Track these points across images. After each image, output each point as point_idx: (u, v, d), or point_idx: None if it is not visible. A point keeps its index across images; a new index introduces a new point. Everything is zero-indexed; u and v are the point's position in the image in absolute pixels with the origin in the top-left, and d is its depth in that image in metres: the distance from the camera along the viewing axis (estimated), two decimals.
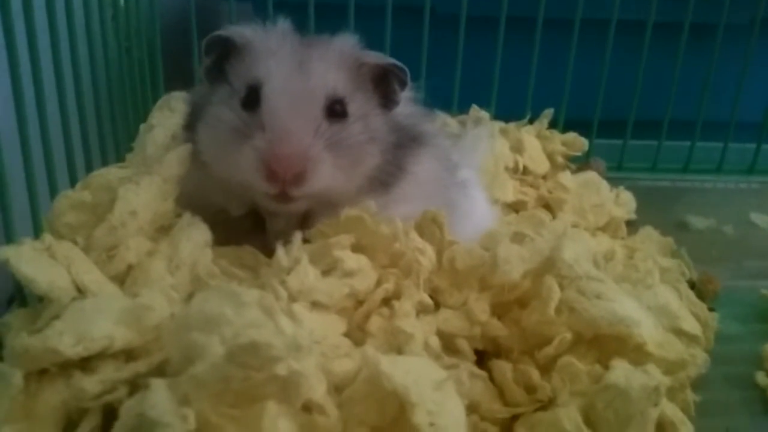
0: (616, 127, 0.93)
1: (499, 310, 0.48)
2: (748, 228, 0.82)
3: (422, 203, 0.52)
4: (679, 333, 0.50)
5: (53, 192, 0.51)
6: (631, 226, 0.76)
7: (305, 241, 0.48)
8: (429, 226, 0.51)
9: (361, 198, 0.50)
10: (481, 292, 0.48)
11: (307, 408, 0.36)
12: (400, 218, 0.49)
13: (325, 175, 0.47)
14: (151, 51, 0.83)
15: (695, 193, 0.92)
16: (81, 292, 0.42)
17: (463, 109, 0.89)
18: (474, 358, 0.46)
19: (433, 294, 0.48)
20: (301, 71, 0.49)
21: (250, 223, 0.53)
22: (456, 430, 0.36)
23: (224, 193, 0.52)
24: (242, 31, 0.52)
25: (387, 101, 0.54)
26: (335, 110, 0.49)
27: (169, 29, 0.90)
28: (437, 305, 0.48)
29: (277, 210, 0.50)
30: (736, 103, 0.92)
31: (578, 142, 0.88)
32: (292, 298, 0.43)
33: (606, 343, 0.45)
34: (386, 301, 0.46)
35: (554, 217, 0.72)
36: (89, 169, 0.59)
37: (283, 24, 0.54)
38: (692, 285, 0.63)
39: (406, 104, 0.56)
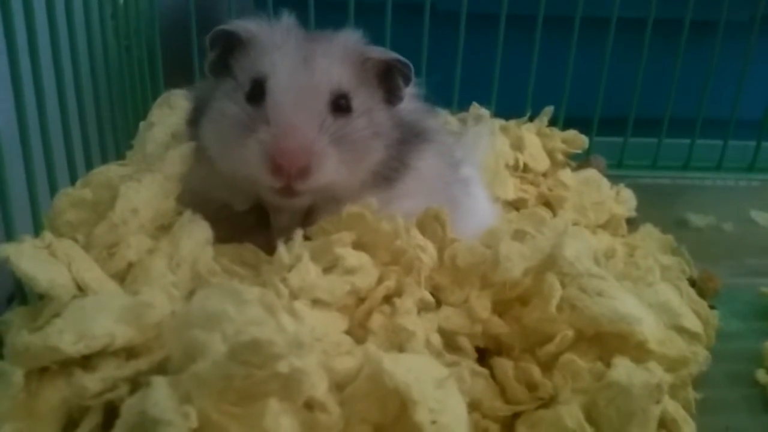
0: (616, 125, 0.93)
1: (500, 308, 0.48)
2: (749, 226, 0.82)
3: (425, 199, 0.52)
4: (681, 330, 0.50)
5: (53, 190, 0.51)
6: (632, 223, 0.76)
7: (307, 238, 0.48)
8: (431, 224, 0.51)
9: (364, 193, 0.50)
10: (483, 289, 0.48)
11: (309, 406, 0.36)
12: (403, 214, 0.49)
13: (330, 170, 0.47)
14: (151, 49, 0.83)
15: (695, 190, 0.92)
16: (81, 289, 0.42)
17: (464, 106, 0.89)
18: (475, 355, 0.46)
19: (435, 291, 0.48)
20: (305, 66, 0.49)
21: (254, 219, 0.53)
22: (458, 428, 0.36)
23: (228, 188, 0.52)
24: (247, 26, 0.52)
25: (391, 97, 0.54)
26: (340, 105, 0.49)
27: (168, 27, 0.90)
28: (438, 303, 0.48)
29: (281, 204, 0.50)
30: (737, 101, 0.92)
31: (578, 140, 0.88)
32: (294, 296, 0.43)
33: (607, 341, 0.45)
34: (387, 299, 0.46)
35: (555, 214, 0.72)
36: (89, 166, 0.59)
37: (288, 19, 0.54)
38: (692, 283, 0.63)
39: (410, 100, 0.56)
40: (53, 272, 0.41)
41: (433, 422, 0.35)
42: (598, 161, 0.89)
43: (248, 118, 0.48)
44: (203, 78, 0.56)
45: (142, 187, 0.47)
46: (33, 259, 0.41)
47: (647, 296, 0.51)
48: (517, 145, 0.83)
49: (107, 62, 0.68)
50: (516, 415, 0.43)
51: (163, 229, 0.49)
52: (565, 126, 0.91)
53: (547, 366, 0.44)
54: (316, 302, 0.44)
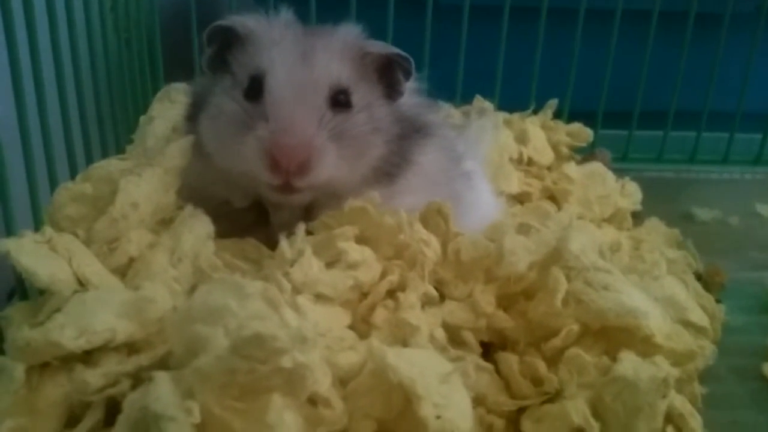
0: (621, 118, 0.92)
1: (505, 302, 0.48)
2: (754, 219, 0.81)
3: (427, 194, 0.52)
4: (687, 324, 0.50)
5: (53, 184, 0.51)
6: (637, 217, 0.76)
7: (309, 232, 0.48)
8: (434, 218, 0.50)
9: (365, 189, 0.49)
10: (487, 283, 0.48)
11: (313, 401, 0.36)
12: (405, 209, 0.48)
13: (329, 166, 0.47)
14: (151, 42, 0.82)
15: (701, 184, 0.91)
16: (82, 284, 0.42)
17: (467, 99, 0.88)
18: (480, 350, 0.46)
19: (439, 286, 0.48)
20: (304, 61, 0.49)
21: (254, 216, 0.52)
22: (462, 423, 0.36)
23: (227, 185, 0.51)
24: (244, 21, 0.52)
25: (391, 92, 0.53)
26: (339, 100, 0.49)
27: (168, 20, 0.89)
28: (442, 297, 0.48)
29: (280, 201, 0.50)
30: (743, 94, 0.91)
31: (583, 133, 0.88)
32: (296, 291, 0.43)
33: (614, 335, 0.44)
34: (391, 293, 0.46)
35: (559, 208, 0.72)
36: (89, 161, 0.58)
37: (286, 14, 0.54)
38: (698, 276, 0.63)
39: (411, 95, 0.55)
40: (54, 267, 0.41)
41: (438, 417, 0.35)
42: (603, 154, 0.89)
43: (246, 114, 0.48)
44: (203, 71, 0.55)
45: (143, 181, 0.47)
46: (33, 254, 0.41)
47: (653, 290, 0.50)
48: (521, 139, 0.83)
49: (107, 56, 0.68)
50: (521, 410, 0.43)
51: (164, 223, 0.49)
52: (570, 119, 0.90)
53: (553, 360, 0.44)
54: (319, 297, 0.43)
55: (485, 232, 0.52)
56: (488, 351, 0.47)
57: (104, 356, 0.38)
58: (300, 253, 0.45)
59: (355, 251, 0.46)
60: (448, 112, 0.80)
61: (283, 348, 0.33)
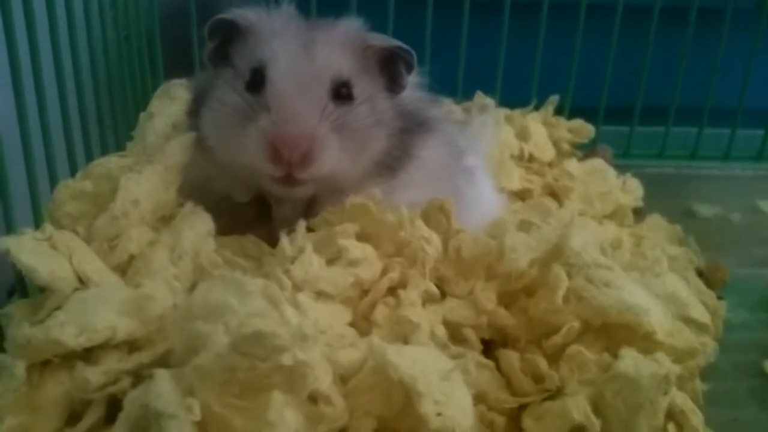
0: (622, 114, 0.92)
1: (505, 299, 0.48)
2: (756, 215, 0.81)
3: (429, 189, 0.52)
4: (688, 321, 0.50)
5: (53, 182, 0.51)
6: (638, 213, 0.75)
7: (310, 229, 0.48)
8: (435, 215, 0.50)
9: (366, 183, 0.49)
10: (488, 280, 0.48)
11: (313, 398, 0.36)
12: (407, 204, 0.48)
13: (331, 158, 0.47)
14: (151, 39, 0.82)
15: (703, 180, 0.91)
16: (83, 282, 0.42)
17: (468, 95, 0.88)
18: (481, 347, 0.46)
19: (439, 283, 0.48)
20: (306, 53, 0.49)
21: (256, 210, 0.52)
22: (463, 420, 0.36)
23: (229, 179, 0.51)
24: (246, 14, 0.52)
25: (393, 85, 0.53)
26: (341, 93, 0.49)
27: (168, 17, 0.89)
28: (443, 294, 0.48)
29: (282, 194, 0.50)
30: (744, 89, 0.91)
31: (585, 129, 0.87)
32: (297, 288, 0.42)
33: (615, 332, 0.44)
34: (392, 291, 0.46)
35: (560, 205, 0.72)
36: (89, 158, 0.58)
37: (288, 7, 0.54)
38: (700, 273, 0.62)
39: (413, 89, 0.55)
40: (54, 265, 0.41)
41: (439, 414, 0.35)
42: (604, 151, 0.89)
43: (248, 106, 0.47)
44: (203, 68, 0.55)
45: (143, 178, 0.47)
46: (34, 252, 0.41)
47: (654, 287, 0.50)
48: (523, 135, 0.83)
49: (106, 53, 0.68)
50: (522, 407, 0.43)
51: (164, 220, 0.49)
52: (571, 115, 0.90)
53: (554, 357, 0.44)
54: (320, 294, 0.43)
55: (486, 229, 0.52)
56: (489, 348, 0.47)
57: (105, 354, 0.38)
58: (300, 250, 0.45)
59: (356, 248, 0.46)
60: (449, 108, 0.80)
61: (284, 345, 0.33)
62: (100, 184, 0.48)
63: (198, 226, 0.47)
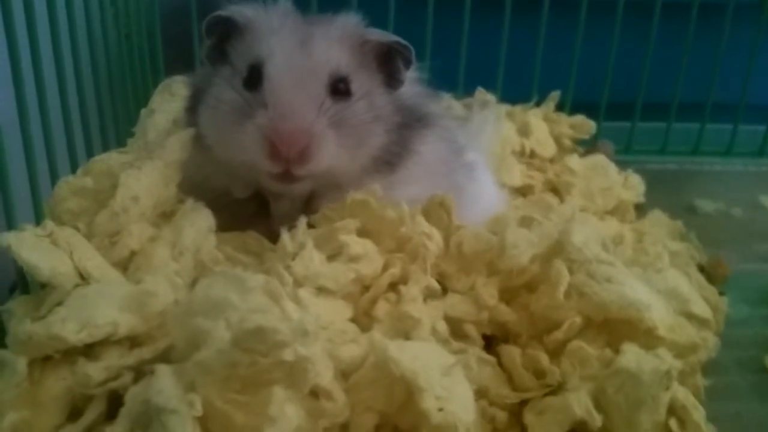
0: (624, 110, 0.92)
1: (507, 295, 0.48)
2: (758, 211, 0.81)
3: (428, 185, 0.52)
4: (690, 317, 0.49)
5: (54, 178, 0.51)
6: (640, 209, 0.75)
7: (310, 225, 0.48)
8: (436, 210, 0.50)
9: (365, 179, 0.49)
10: (489, 276, 0.48)
11: (314, 394, 0.36)
12: (406, 200, 0.48)
13: (329, 154, 0.47)
14: (151, 36, 0.82)
15: (704, 176, 0.91)
16: (84, 278, 0.42)
17: (469, 91, 0.88)
18: (482, 343, 0.46)
19: (441, 279, 0.48)
20: (303, 49, 0.48)
21: (255, 207, 0.52)
22: (464, 416, 0.36)
23: (228, 176, 0.51)
24: (243, 11, 0.52)
25: (392, 80, 0.53)
26: (338, 88, 0.49)
27: (168, 13, 0.89)
28: (444, 290, 0.48)
29: (281, 191, 0.50)
30: (746, 85, 0.90)
31: (586, 125, 0.87)
32: (298, 284, 0.42)
33: (616, 327, 0.44)
34: (393, 286, 0.46)
35: (562, 201, 0.71)
36: (90, 154, 0.58)
37: (285, 3, 0.53)
38: (702, 269, 0.62)
39: (412, 84, 0.55)
40: (55, 261, 0.41)
41: (440, 410, 0.35)
42: (605, 146, 0.88)
43: (245, 103, 0.47)
44: (204, 64, 0.55)
45: (143, 174, 0.47)
46: (34, 248, 0.41)
47: (656, 282, 0.50)
48: (524, 131, 0.82)
49: (107, 50, 0.68)
50: (523, 403, 0.43)
51: (165, 216, 0.49)
52: (573, 111, 0.90)
53: (555, 353, 0.44)
54: (321, 290, 0.43)
55: (487, 224, 0.52)
56: (490, 344, 0.47)
57: (106, 350, 0.38)
58: (301, 246, 0.45)
59: (357, 244, 0.46)
60: (449, 104, 0.80)
61: (285, 341, 0.33)
62: (101, 180, 0.48)
63: (199, 223, 0.47)
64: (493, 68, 0.88)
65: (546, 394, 0.42)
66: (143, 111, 0.67)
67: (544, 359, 0.43)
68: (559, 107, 0.90)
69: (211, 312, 0.35)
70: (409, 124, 0.52)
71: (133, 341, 0.39)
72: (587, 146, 0.88)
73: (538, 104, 0.90)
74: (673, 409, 0.41)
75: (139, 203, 0.46)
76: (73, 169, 0.54)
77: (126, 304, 0.39)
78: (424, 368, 0.36)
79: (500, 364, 0.45)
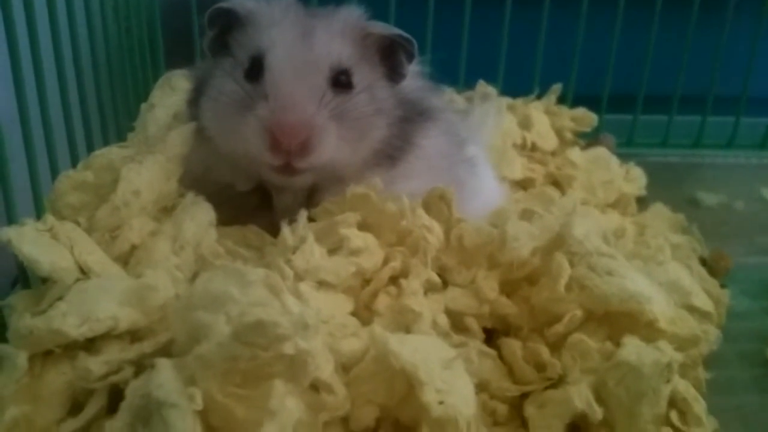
0: (625, 102, 0.92)
1: (508, 288, 0.48)
2: (760, 204, 0.81)
3: (429, 178, 0.51)
4: (691, 309, 0.49)
5: (54, 172, 0.51)
6: (642, 202, 0.75)
7: (311, 219, 0.48)
8: (436, 204, 0.50)
9: (366, 173, 0.49)
10: (490, 269, 0.48)
11: (315, 387, 0.36)
12: (407, 194, 0.48)
13: (330, 146, 0.46)
14: (151, 30, 0.82)
15: (706, 168, 0.91)
16: (84, 273, 0.42)
17: (470, 84, 0.87)
18: (483, 336, 0.46)
19: (441, 272, 0.48)
20: (304, 41, 0.48)
21: (257, 200, 0.52)
22: (465, 409, 0.36)
23: (230, 169, 0.51)
24: (245, 3, 0.51)
25: (393, 74, 0.53)
26: (340, 81, 0.49)
27: (168, 7, 0.89)
28: (445, 283, 0.48)
29: (282, 184, 0.49)
30: (748, 77, 0.90)
31: (587, 118, 0.87)
32: (298, 277, 0.42)
33: (617, 320, 0.44)
34: (393, 280, 0.46)
35: (563, 194, 0.71)
36: (90, 149, 0.58)
37: None
38: (703, 262, 0.62)
39: (414, 78, 0.55)
40: (56, 255, 0.41)
41: (440, 403, 0.35)
42: (607, 139, 0.88)
43: (247, 95, 0.47)
44: (204, 58, 0.55)
45: (144, 168, 0.46)
46: (35, 243, 0.41)
47: (657, 275, 0.50)
48: (525, 124, 0.82)
49: (107, 44, 0.67)
50: (524, 396, 0.43)
51: (166, 211, 0.49)
52: (574, 104, 0.89)
53: (556, 346, 0.44)
54: (321, 284, 0.43)
55: (488, 217, 0.52)
56: (491, 337, 0.47)
57: (107, 344, 0.38)
58: (302, 240, 0.45)
59: (358, 238, 0.46)
60: (451, 97, 0.80)
61: (285, 334, 0.33)
62: (101, 174, 0.48)
63: (199, 217, 0.47)
64: (495, 61, 0.88)
65: (547, 387, 0.42)
66: (143, 105, 0.67)
67: (544, 352, 0.43)
68: (561, 100, 0.90)
69: (212, 306, 0.35)
70: (411, 117, 0.52)
71: (133, 335, 0.39)
72: (589, 139, 0.88)
73: (539, 97, 0.89)
74: (674, 402, 0.41)
75: (140, 197, 0.46)
76: (74, 164, 0.54)
77: (127, 298, 0.39)
78: (424, 361, 0.36)
79: (501, 357, 0.45)
